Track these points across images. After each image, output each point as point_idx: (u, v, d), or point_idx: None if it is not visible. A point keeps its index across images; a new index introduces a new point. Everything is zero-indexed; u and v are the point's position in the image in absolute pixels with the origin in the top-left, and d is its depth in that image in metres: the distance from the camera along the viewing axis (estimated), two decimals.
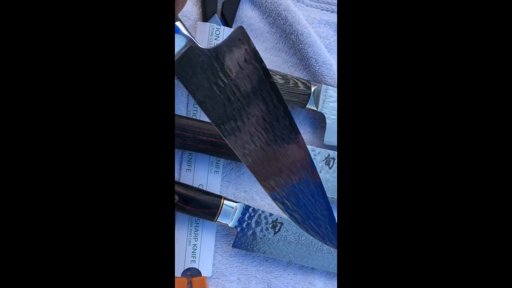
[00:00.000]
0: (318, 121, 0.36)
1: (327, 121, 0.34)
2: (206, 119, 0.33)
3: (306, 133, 0.36)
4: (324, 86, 0.34)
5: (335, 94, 0.34)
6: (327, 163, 0.34)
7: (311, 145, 0.35)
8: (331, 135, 0.34)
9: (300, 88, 0.32)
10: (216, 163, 0.33)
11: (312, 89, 0.33)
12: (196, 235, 0.32)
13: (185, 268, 0.32)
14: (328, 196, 0.34)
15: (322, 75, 0.35)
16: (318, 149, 0.34)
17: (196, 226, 0.32)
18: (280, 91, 0.31)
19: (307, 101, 0.33)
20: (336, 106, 0.34)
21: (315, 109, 0.33)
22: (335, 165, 0.34)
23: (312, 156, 0.34)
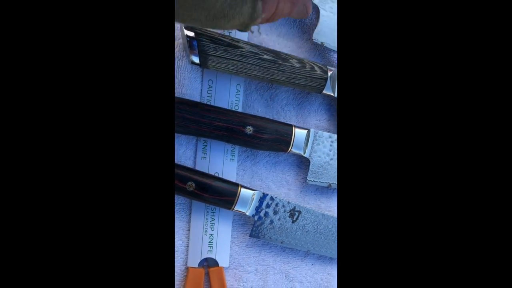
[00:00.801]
0: (334, 107, 0.35)
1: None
2: (221, 105, 0.32)
3: (322, 119, 0.35)
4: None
5: None
6: None
7: (327, 131, 0.34)
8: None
9: (317, 73, 0.31)
10: (231, 150, 0.32)
11: (329, 73, 0.32)
12: (213, 224, 0.32)
13: (202, 258, 0.31)
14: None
15: (336, 61, 0.34)
16: (335, 136, 0.33)
17: (213, 215, 0.32)
18: (297, 76, 0.30)
19: (324, 86, 0.32)
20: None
21: (332, 94, 0.32)
22: None
23: (329, 144, 0.33)
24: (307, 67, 0.31)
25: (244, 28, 0.21)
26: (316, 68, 0.31)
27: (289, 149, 0.32)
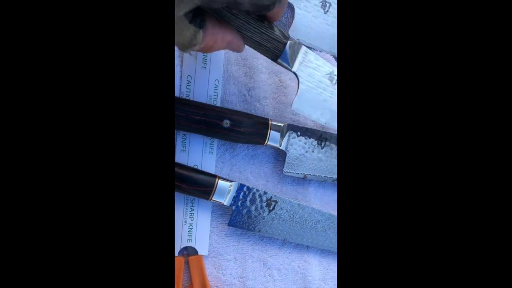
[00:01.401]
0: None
1: (301, 86, 0.31)
2: (200, 100, 0.33)
3: (298, 114, 0.36)
4: (304, 48, 0.30)
5: (316, 61, 0.31)
6: (319, 144, 0.35)
7: (303, 125, 0.35)
8: (301, 103, 0.31)
9: (275, 33, 0.28)
10: (210, 144, 0.34)
11: (289, 42, 0.29)
12: (192, 214, 0.33)
13: (182, 247, 0.33)
14: (320, 175, 0.35)
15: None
16: (311, 129, 0.34)
17: (192, 206, 0.33)
18: (251, 28, 0.27)
19: (280, 52, 0.28)
20: (314, 74, 0.31)
21: (289, 67, 0.30)
22: (327, 147, 0.35)
23: (305, 137, 0.34)
24: (265, 23, 0.28)
25: (183, 49, 0.24)
26: (276, 29, 0.28)
27: (266, 142, 0.33)
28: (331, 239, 0.36)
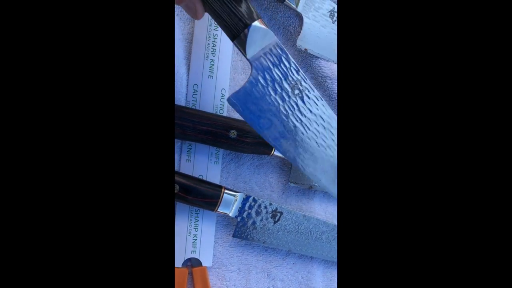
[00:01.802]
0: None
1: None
2: (206, 109, 0.33)
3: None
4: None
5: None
6: (331, 16, 0.34)
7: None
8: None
9: (240, 9, 0.25)
10: (215, 153, 0.33)
11: (254, 25, 0.25)
12: (197, 225, 0.32)
13: (186, 258, 0.32)
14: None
15: (320, 67, 0.35)
16: None
17: (197, 217, 0.32)
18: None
19: (239, 33, 0.25)
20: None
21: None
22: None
23: None
24: None
25: None
26: (243, 5, 0.24)
27: (272, 152, 0.33)
28: (336, 250, 0.36)
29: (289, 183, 0.34)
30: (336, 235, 0.35)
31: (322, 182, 0.27)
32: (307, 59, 0.36)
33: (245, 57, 0.26)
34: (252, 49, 0.25)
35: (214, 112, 0.33)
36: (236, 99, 0.25)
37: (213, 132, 0.31)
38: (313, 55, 0.35)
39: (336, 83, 0.35)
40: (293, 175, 0.34)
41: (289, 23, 0.35)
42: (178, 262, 0.32)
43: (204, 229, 0.33)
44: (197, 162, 0.33)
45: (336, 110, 0.36)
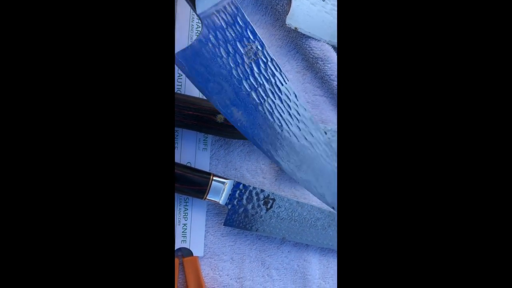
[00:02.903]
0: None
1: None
2: (192, 93, 0.32)
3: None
4: None
5: None
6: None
7: None
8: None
9: None
10: (204, 140, 0.32)
11: None
12: (186, 214, 0.31)
13: (176, 248, 0.31)
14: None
15: (311, 48, 0.34)
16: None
17: (186, 205, 0.31)
18: None
19: None
20: None
21: None
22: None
23: None
24: None
25: None
26: None
27: None
28: (331, 237, 0.35)
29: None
30: (331, 221, 0.34)
31: (281, 164, 0.25)
32: (297, 40, 0.35)
33: (195, 13, 0.23)
34: (203, 4, 0.23)
35: (200, 97, 0.32)
36: (183, 59, 0.22)
37: (199, 116, 0.29)
38: (304, 35, 0.34)
39: (329, 65, 0.33)
40: None
41: (277, 2, 0.33)
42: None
43: (194, 218, 0.32)
44: (184, 149, 0.31)
45: (329, 93, 0.35)
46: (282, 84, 0.24)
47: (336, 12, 0.33)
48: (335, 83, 0.33)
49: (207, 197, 0.30)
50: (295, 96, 0.24)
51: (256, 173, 0.34)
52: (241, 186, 0.31)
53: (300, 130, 0.24)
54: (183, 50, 0.23)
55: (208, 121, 0.30)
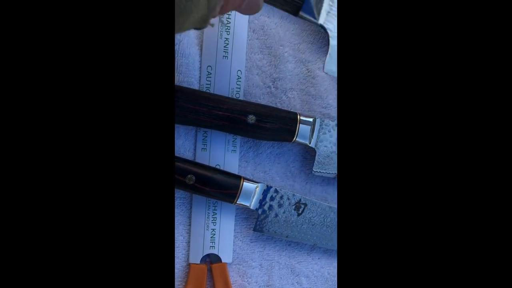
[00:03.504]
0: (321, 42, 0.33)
1: (331, 41, 0.26)
2: (221, 93, 0.30)
3: (328, 107, 0.33)
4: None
5: None
6: None
7: (334, 120, 0.32)
8: (335, 62, 0.27)
9: None
10: (233, 141, 0.31)
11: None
12: (215, 219, 0.30)
13: (204, 254, 0.30)
14: None
15: None
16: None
17: (214, 210, 0.30)
18: None
19: (302, 2, 0.24)
20: None
21: (314, 20, 0.25)
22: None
23: (336, 133, 0.31)
24: None
25: (203, 23, 0.20)
26: None
27: (294, 139, 0.30)
28: None
29: (312, 171, 0.31)
30: None
31: None
32: (328, 36, 0.33)
33: (317, 24, 0.23)
34: (321, 13, 0.23)
35: (230, 96, 0.30)
36: (332, 67, 0.23)
37: (230, 117, 0.28)
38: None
39: None
40: (317, 163, 0.31)
41: (312, 40, 0.31)
42: (196, 258, 0.30)
43: (223, 223, 0.30)
44: (213, 151, 0.30)
45: None
46: None
47: None
48: None
49: (237, 202, 0.29)
50: None
51: (286, 176, 0.33)
52: (272, 190, 0.30)
53: None
54: (329, 57, 0.24)
55: (239, 122, 0.28)
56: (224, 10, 0.21)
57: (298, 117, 0.30)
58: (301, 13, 0.24)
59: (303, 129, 0.30)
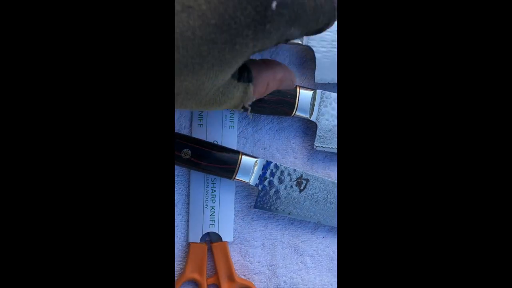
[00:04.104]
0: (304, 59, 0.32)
1: (316, 55, 0.28)
2: None
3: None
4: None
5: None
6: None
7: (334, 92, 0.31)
8: (323, 72, 0.29)
9: None
10: (230, 116, 0.30)
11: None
12: (214, 196, 0.29)
13: (204, 232, 0.29)
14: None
15: None
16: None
17: (213, 187, 0.29)
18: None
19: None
20: (326, 38, 0.28)
21: (300, 42, 0.28)
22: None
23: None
24: None
25: (236, 108, 0.21)
26: None
27: (294, 112, 0.29)
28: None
29: (314, 147, 0.30)
30: None
31: None
32: None
33: (302, 45, 0.26)
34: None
35: None
36: (322, 76, 0.27)
37: None
38: None
39: None
40: (318, 137, 0.30)
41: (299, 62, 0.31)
42: (196, 237, 0.29)
43: (222, 201, 0.29)
44: (210, 127, 0.29)
45: None
46: None
47: None
48: None
49: (236, 177, 0.28)
50: None
51: (287, 153, 0.32)
52: (272, 165, 0.29)
53: None
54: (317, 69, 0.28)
55: None
56: (263, 95, 0.22)
57: (298, 89, 0.29)
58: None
59: (303, 101, 0.29)
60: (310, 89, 0.29)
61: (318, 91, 0.29)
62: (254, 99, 0.22)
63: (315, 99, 0.29)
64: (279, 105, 0.28)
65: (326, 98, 0.30)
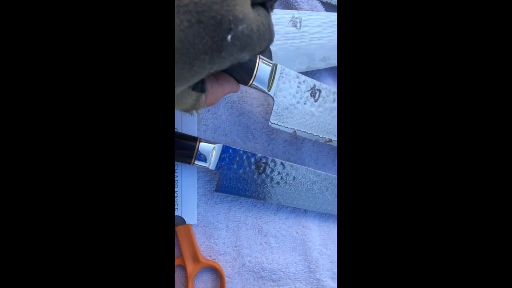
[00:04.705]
0: None
1: (272, 48, 0.29)
2: None
3: None
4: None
5: (293, 75, 0.29)
6: (313, 95, 0.31)
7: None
8: (280, 64, 0.29)
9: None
10: None
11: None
12: (176, 181, 0.31)
13: None
14: (312, 133, 0.31)
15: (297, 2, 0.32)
16: (303, 77, 0.31)
17: (175, 173, 0.31)
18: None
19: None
20: (280, 32, 0.29)
21: (266, 90, 0.29)
22: (321, 99, 0.31)
23: (296, 84, 0.31)
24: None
25: (186, 111, 0.24)
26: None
27: (251, 81, 0.28)
28: (330, 201, 0.33)
29: (269, 123, 0.30)
30: (328, 185, 0.33)
31: None
32: None
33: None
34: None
35: None
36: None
37: None
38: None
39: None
40: (275, 113, 0.30)
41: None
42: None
43: (184, 185, 0.31)
44: None
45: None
46: None
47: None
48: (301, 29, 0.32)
49: (195, 162, 0.29)
50: None
51: (248, 139, 0.33)
52: (230, 150, 0.30)
53: None
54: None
55: None
56: (208, 106, 0.25)
57: (258, 59, 0.28)
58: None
59: (262, 69, 0.28)
60: (270, 62, 0.29)
61: (279, 65, 0.29)
62: (204, 107, 0.24)
63: (275, 72, 0.29)
64: (238, 69, 0.27)
65: (286, 74, 0.30)
